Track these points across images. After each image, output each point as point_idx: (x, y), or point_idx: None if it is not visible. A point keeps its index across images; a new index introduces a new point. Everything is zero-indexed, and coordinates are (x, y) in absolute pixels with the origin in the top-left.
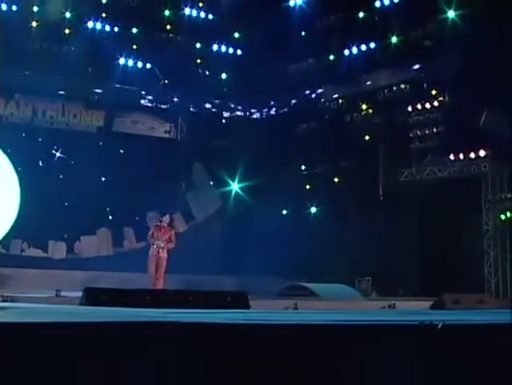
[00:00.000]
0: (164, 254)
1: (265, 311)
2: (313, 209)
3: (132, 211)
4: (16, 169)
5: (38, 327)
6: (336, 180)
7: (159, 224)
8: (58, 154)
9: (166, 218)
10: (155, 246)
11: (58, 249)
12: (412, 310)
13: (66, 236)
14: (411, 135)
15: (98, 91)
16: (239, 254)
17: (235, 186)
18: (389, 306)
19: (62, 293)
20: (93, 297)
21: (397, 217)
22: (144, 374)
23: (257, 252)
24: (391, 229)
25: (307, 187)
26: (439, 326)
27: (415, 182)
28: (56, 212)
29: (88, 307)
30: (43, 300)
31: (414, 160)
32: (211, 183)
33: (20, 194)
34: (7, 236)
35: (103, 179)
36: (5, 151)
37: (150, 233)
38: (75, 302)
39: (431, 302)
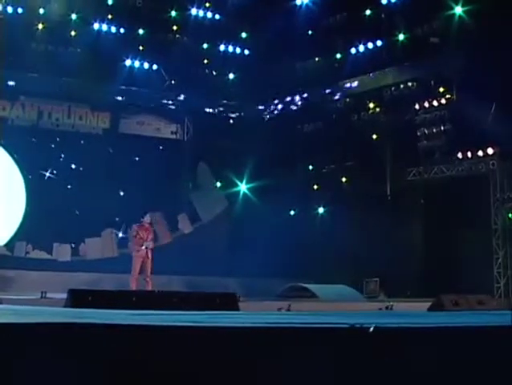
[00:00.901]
0: (150, 255)
1: (249, 313)
2: (320, 209)
3: (136, 212)
4: (22, 173)
5: None
6: (344, 179)
7: (140, 224)
8: (73, 166)
9: (147, 218)
10: (143, 247)
11: (62, 251)
12: (406, 311)
13: (70, 238)
14: (418, 133)
15: (104, 92)
16: (245, 255)
17: (243, 187)
18: (386, 308)
19: (50, 295)
20: (78, 298)
21: (405, 217)
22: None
23: (262, 253)
24: (398, 229)
25: (315, 187)
26: (370, 330)
27: (422, 181)
28: (61, 214)
29: (69, 309)
30: (27, 302)
31: (421, 158)
32: (217, 184)
33: (25, 196)
34: (12, 238)
35: (108, 180)
36: (10, 154)
37: (134, 233)
38: (60, 304)
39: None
